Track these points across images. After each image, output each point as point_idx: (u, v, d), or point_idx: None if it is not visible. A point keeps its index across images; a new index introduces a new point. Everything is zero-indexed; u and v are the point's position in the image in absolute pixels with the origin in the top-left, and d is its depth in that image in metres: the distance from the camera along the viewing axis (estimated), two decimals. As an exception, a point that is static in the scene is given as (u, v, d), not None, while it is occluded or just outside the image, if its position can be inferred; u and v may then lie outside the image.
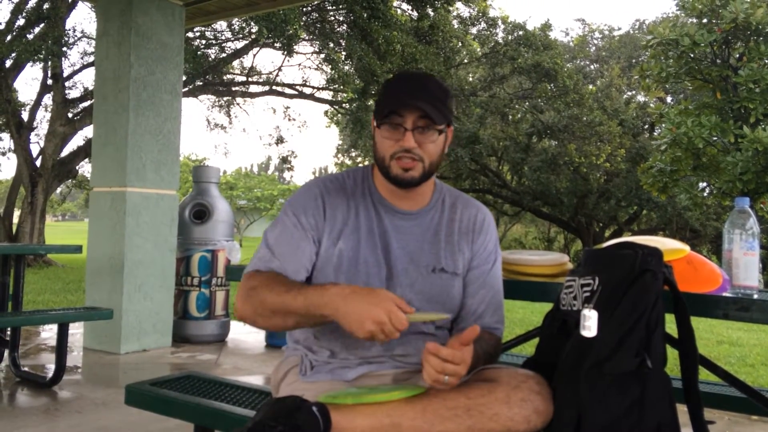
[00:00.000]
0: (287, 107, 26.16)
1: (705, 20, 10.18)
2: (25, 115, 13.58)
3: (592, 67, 22.01)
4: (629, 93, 20.96)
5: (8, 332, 3.78)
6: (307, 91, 15.03)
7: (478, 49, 16.67)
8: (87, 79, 19.07)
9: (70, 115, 12.91)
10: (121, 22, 4.61)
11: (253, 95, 14.99)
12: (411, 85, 1.47)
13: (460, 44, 14.84)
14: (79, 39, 12.16)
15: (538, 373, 1.36)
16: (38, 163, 12.86)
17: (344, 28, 12.54)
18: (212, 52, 13.28)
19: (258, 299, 1.34)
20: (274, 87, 14.74)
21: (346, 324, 1.23)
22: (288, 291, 1.32)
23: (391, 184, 1.50)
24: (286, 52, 11.84)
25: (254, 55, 16.52)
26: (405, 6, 13.23)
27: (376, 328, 1.19)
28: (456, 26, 14.96)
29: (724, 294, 1.53)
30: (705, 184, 11.66)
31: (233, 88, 14.69)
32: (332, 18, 12.61)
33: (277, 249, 1.46)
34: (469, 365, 1.26)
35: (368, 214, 1.52)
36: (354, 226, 1.51)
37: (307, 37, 12.71)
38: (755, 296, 1.49)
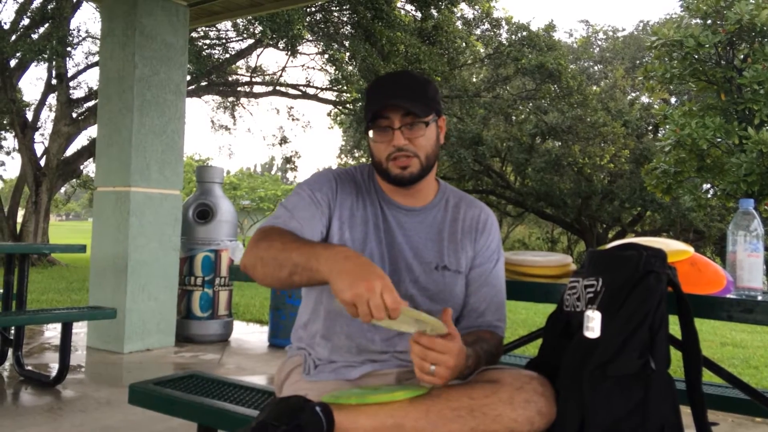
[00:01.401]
0: (291, 107, 26.16)
1: (709, 21, 10.14)
2: (29, 115, 13.64)
3: (596, 68, 21.96)
4: (633, 94, 20.92)
5: (12, 331, 3.80)
6: (311, 91, 15.06)
7: (482, 50, 16.66)
8: (91, 79, 19.14)
9: (74, 114, 12.95)
10: (126, 23, 4.63)
11: (257, 95, 15.02)
12: (388, 86, 1.49)
13: (463, 45, 14.82)
14: (83, 39, 12.29)
15: (541, 374, 1.36)
16: (42, 162, 12.92)
17: (348, 28, 12.56)
18: (216, 53, 13.31)
19: (266, 243, 1.32)
20: (277, 87, 14.76)
21: (337, 282, 1.14)
22: (296, 240, 1.31)
23: (393, 184, 1.52)
24: (289, 53, 11.84)
25: (258, 56, 16.52)
26: (409, 7, 13.24)
27: (365, 294, 1.11)
28: (460, 27, 14.95)
29: (728, 296, 1.53)
30: (709, 185, 11.63)
31: (237, 89, 14.72)
32: (336, 18, 12.62)
33: (297, 213, 1.46)
34: (458, 355, 1.23)
35: (374, 210, 1.55)
36: (362, 218, 1.53)
37: (311, 38, 12.73)
38: (759, 298, 1.49)
